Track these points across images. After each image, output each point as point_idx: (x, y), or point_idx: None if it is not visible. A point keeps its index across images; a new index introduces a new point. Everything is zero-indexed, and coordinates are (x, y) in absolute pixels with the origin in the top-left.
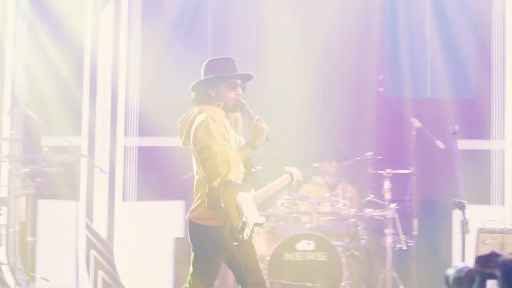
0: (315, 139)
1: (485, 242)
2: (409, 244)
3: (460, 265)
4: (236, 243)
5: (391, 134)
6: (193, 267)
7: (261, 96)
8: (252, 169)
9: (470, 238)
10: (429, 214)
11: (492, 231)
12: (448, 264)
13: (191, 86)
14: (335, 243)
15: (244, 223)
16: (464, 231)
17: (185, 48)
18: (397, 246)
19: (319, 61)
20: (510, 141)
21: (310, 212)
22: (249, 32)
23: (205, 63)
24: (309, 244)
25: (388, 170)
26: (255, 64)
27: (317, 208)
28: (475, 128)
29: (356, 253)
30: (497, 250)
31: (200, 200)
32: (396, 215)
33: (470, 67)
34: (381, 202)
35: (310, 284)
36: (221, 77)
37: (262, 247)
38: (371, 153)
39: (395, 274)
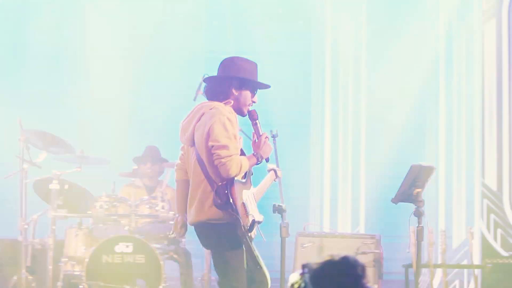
0: (134, 140)
1: (304, 245)
2: None
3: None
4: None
5: None
6: (224, 269)
7: (83, 94)
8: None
9: (290, 242)
10: None
11: (311, 235)
12: (270, 268)
13: (209, 76)
14: (153, 245)
15: (254, 222)
16: (284, 234)
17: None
18: None
19: (143, 62)
20: (329, 146)
21: (128, 214)
22: (76, 31)
23: (230, 59)
24: (127, 246)
25: None
26: (82, 64)
27: (135, 211)
28: (296, 131)
29: (175, 256)
30: (316, 253)
31: (208, 200)
32: None
33: (290, 71)
34: None
35: (128, 287)
36: (257, 83)
37: (80, 249)
38: None
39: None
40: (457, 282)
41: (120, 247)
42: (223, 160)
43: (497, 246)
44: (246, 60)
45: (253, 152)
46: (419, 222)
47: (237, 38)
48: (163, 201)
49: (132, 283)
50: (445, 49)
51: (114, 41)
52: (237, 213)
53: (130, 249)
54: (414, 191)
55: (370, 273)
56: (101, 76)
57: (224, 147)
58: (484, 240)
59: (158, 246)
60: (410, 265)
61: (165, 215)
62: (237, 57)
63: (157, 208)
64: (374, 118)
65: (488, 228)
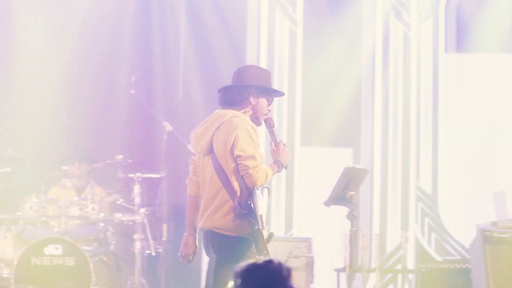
0: (63, 140)
1: None
2: (158, 250)
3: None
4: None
5: (142, 137)
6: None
7: (9, 93)
8: None
9: None
10: (178, 219)
11: None
12: (197, 270)
13: (226, 86)
14: (83, 248)
15: (271, 235)
16: None
17: None
18: (146, 251)
19: (68, 59)
20: (262, 147)
21: (58, 216)
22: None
23: (246, 68)
24: (57, 248)
25: (138, 174)
26: (7, 64)
27: (65, 212)
28: None
29: (105, 258)
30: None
31: (222, 209)
32: (145, 220)
33: (225, 70)
34: (131, 206)
35: None
36: (274, 90)
37: (8, 251)
38: (122, 156)
39: (143, 280)
40: (391, 287)
41: (50, 249)
42: (250, 170)
43: (431, 250)
44: (262, 69)
45: (273, 160)
46: (352, 226)
47: (171, 31)
48: (93, 202)
49: (61, 285)
50: (381, 49)
51: (40, 36)
52: (258, 223)
53: (59, 251)
54: (347, 194)
55: (302, 276)
56: (27, 73)
57: (252, 157)
58: (418, 244)
59: (87, 248)
60: (343, 269)
61: (95, 216)
62: (253, 66)
63: (87, 210)
64: (309, 118)
65: (422, 232)
